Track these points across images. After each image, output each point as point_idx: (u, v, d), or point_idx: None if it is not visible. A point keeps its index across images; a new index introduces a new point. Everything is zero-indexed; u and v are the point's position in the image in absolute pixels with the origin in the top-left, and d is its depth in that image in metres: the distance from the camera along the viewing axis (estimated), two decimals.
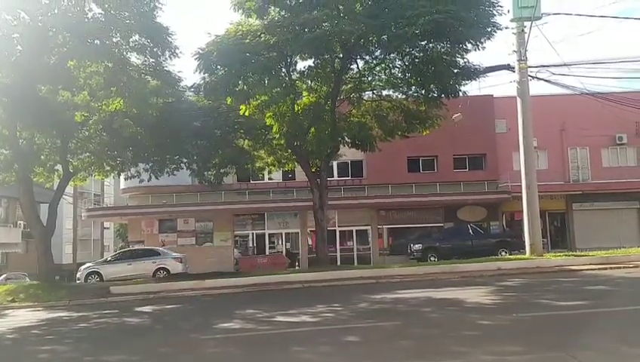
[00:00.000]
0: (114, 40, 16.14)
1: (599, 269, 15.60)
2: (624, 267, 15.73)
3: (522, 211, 19.34)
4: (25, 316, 13.34)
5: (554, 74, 19.02)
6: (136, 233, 30.73)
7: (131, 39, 16.31)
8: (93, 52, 15.63)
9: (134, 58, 17.20)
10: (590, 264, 16.58)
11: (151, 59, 17.12)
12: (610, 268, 15.66)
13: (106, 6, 15.55)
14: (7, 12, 14.80)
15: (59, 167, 21.20)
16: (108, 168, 22.31)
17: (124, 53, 16.65)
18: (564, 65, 18.97)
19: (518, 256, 19.71)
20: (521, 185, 19.32)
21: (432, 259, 24.73)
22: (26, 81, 16.16)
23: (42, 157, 20.58)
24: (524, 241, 19.49)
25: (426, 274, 16.52)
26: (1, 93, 16.53)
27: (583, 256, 18.31)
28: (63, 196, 22.61)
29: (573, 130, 30.18)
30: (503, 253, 23.73)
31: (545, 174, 26.82)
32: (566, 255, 19.58)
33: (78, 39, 15.23)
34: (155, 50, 16.70)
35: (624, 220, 29.95)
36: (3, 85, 16.43)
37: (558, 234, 31.12)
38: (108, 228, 54.11)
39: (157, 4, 16.06)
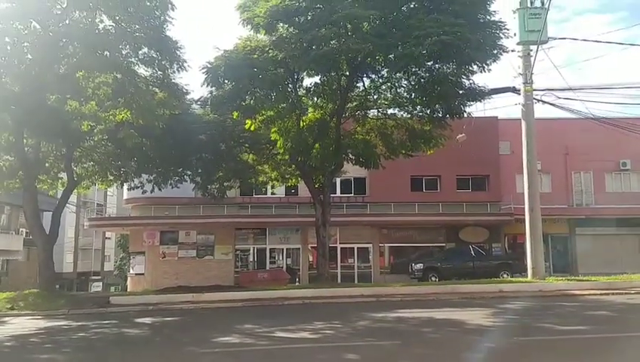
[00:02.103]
0: (123, 52, 16.30)
1: (601, 294, 15.51)
2: (626, 293, 15.64)
3: (525, 234, 19.29)
4: (24, 324, 13.30)
5: (559, 98, 19.16)
6: (138, 244, 30.68)
7: (140, 51, 16.47)
8: (102, 63, 15.81)
9: (142, 70, 17.36)
10: (592, 289, 16.49)
11: (159, 72, 17.26)
12: (612, 293, 15.57)
13: (117, 18, 15.71)
14: (19, 21, 14.97)
15: (63, 175, 21.27)
16: (111, 178, 22.41)
17: (133, 65, 16.82)
18: (570, 89, 19.10)
19: (520, 279, 19.61)
20: (524, 208, 19.28)
21: (433, 279, 24.65)
22: (34, 90, 16.29)
23: (47, 164, 20.67)
24: (526, 264, 19.39)
25: (426, 294, 16.44)
26: (9, 101, 16.65)
27: (586, 280, 18.21)
28: (66, 205, 22.64)
29: (577, 155, 30.18)
30: (505, 276, 23.63)
31: (548, 197, 26.76)
32: (568, 279, 19.49)
33: (88, 50, 15.40)
34: (163, 62, 16.85)
35: (627, 246, 29.78)
36: (12, 93, 16.55)
37: (560, 258, 30.90)
38: (109, 239, 54.12)
39: (167, 17, 16.23)
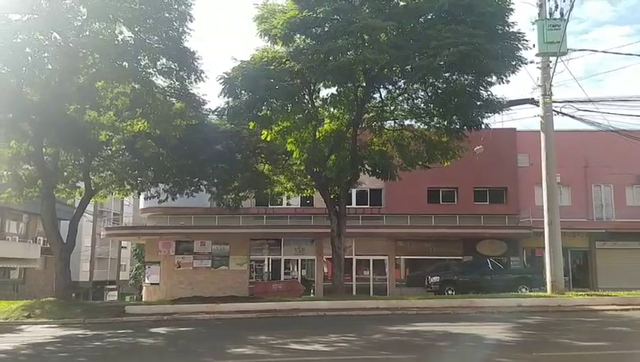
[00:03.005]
0: (142, 63, 16.48)
1: (622, 310, 15.22)
2: None
3: (543, 247, 18.98)
4: (40, 332, 13.36)
5: (578, 109, 18.86)
6: (153, 253, 30.80)
7: (159, 62, 16.65)
8: (121, 74, 15.99)
9: (160, 80, 17.54)
10: (612, 304, 16.16)
11: (177, 82, 17.43)
12: (633, 309, 15.25)
13: (136, 29, 15.90)
14: (40, 32, 15.20)
15: (81, 184, 21.47)
16: (128, 187, 22.57)
17: (151, 75, 16.98)
18: (589, 101, 18.81)
19: (539, 294, 19.29)
20: (542, 221, 18.98)
21: (450, 292, 24.39)
22: (54, 100, 16.52)
23: (65, 173, 20.89)
24: (545, 278, 19.08)
25: (443, 307, 16.24)
26: (30, 111, 16.91)
27: (606, 295, 17.86)
28: (83, 214, 22.83)
29: (597, 167, 29.78)
30: (523, 290, 23.29)
31: (567, 211, 26.35)
32: (588, 294, 19.14)
33: (108, 61, 15.59)
34: (181, 73, 17.03)
35: None
36: (32, 103, 16.81)
37: (580, 272, 30.43)
38: (125, 248, 54.48)
39: (185, 29, 16.41)
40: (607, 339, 10.75)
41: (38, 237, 39.16)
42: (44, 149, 18.88)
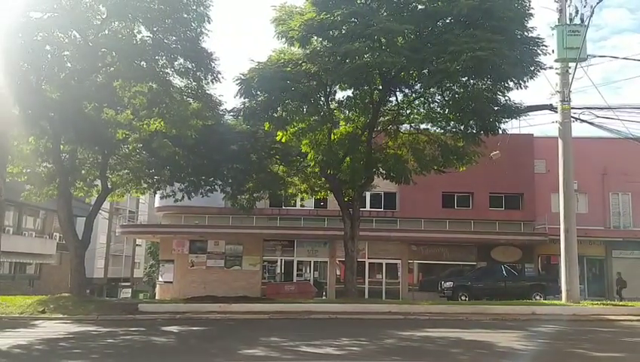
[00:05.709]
0: (159, 62, 16.60)
1: (638, 321, 14.95)
2: None
3: (559, 255, 18.76)
4: (54, 328, 13.47)
5: (597, 116, 18.61)
6: (167, 252, 31.00)
7: (176, 62, 16.76)
8: (139, 73, 16.13)
9: (178, 80, 17.64)
10: (629, 314, 15.89)
11: (193, 83, 17.55)
12: None
13: (155, 29, 16.02)
14: (60, 30, 15.37)
15: (98, 182, 21.67)
16: (145, 186, 22.71)
17: (169, 75, 17.09)
18: (609, 108, 18.55)
19: (554, 302, 19.06)
20: (558, 228, 18.74)
21: (463, 298, 24.22)
22: (73, 98, 16.66)
23: (83, 171, 21.07)
24: (560, 286, 18.85)
25: (456, 313, 16.08)
26: (48, 108, 17.08)
27: (622, 305, 17.61)
28: (99, 211, 23.01)
29: (615, 175, 29.42)
30: (538, 297, 23.07)
31: (584, 218, 26.04)
32: (604, 303, 18.87)
33: (126, 60, 15.74)
34: (198, 74, 17.13)
35: None
36: (51, 101, 16.98)
37: (595, 281, 30.07)
38: (140, 246, 54.86)
39: (203, 30, 16.50)
40: (623, 350, 10.58)
41: (55, 233, 39.63)
42: (61, 147, 19.06)
